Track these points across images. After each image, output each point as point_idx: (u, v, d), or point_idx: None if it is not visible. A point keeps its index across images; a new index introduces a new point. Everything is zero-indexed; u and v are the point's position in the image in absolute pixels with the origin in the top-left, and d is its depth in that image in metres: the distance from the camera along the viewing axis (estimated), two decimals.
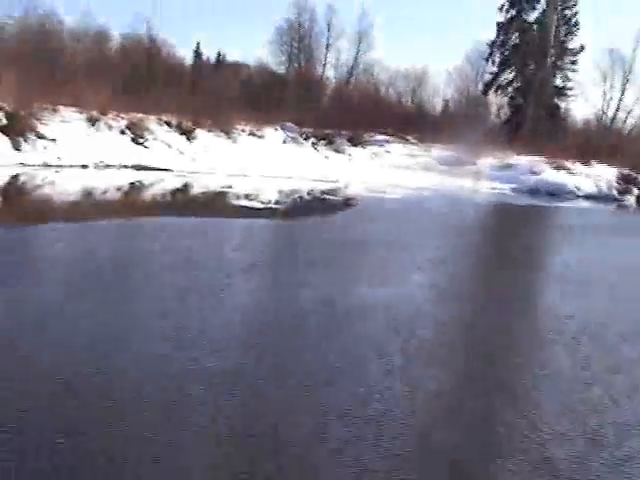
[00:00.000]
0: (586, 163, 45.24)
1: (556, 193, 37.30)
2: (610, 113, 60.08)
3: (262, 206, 20.08)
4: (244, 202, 20.51)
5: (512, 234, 20.95)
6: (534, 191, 37.51)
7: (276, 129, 41.24)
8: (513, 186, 38.44)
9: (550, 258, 16.55)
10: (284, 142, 40.68)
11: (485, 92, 61.93)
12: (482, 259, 15.40)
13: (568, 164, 44.13)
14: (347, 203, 25.05)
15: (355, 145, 44.56)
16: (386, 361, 6.91)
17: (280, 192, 25.92)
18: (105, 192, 20.54)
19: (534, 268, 14.38)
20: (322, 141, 42.70)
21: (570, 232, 21.75)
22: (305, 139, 42.27)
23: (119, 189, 21.51)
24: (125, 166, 26.27)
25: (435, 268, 12.57)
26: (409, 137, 49.50)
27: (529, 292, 11.94)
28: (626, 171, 43.06)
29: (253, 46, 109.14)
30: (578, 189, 38.85)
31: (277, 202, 22.46)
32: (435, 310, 9.41)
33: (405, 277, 11.46)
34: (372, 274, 11.42)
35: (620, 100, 59.16)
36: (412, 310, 9.10)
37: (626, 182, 42.23)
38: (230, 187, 24.78)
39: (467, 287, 11.74)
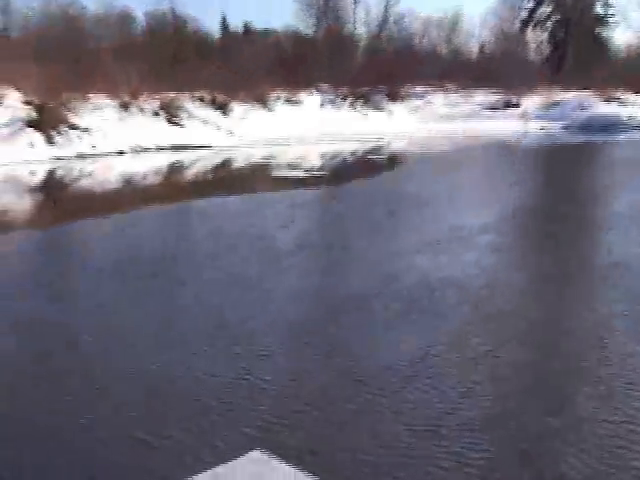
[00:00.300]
0: (638, 92, 43.32)
1: (609, 126, 35.59)
2: None
3: (308, 174, 19.20)
4: (292, 172, 19.62)
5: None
6: (586, 127, 35.90)
7: (311, 93, 40.13)
8: (563, 123, 36.91)
9: None
10: (321, 105, 39.58)
11: (523, 29, 59.65)
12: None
13: (618, 94, 42.29)
14: (394, 161, 24.10)
15: (394, 100, 43.25)
16: None
17: (324, 157, 25.04)
18: (147, 176, 19.86)
19: None
20: (360, 100, 41.46)
21: None
22: (342, 100, 41.07)
23: (161, 172, 20.83)
24: (162, 148, 25.54)
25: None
26: (449, 86, 47.90)
27: None
28: None
29: (279, 13, 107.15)
30: (632, 119, 37.04)
31: (323, 168, 21.60)
32: None
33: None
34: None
35: None
36: None
37: None
38: (272, 158, 23.94)
39: None
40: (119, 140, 24.33)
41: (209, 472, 4.07)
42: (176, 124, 28.74)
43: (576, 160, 24.01)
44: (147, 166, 21.81)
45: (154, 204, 14.84)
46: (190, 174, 20.79)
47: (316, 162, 23.42)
